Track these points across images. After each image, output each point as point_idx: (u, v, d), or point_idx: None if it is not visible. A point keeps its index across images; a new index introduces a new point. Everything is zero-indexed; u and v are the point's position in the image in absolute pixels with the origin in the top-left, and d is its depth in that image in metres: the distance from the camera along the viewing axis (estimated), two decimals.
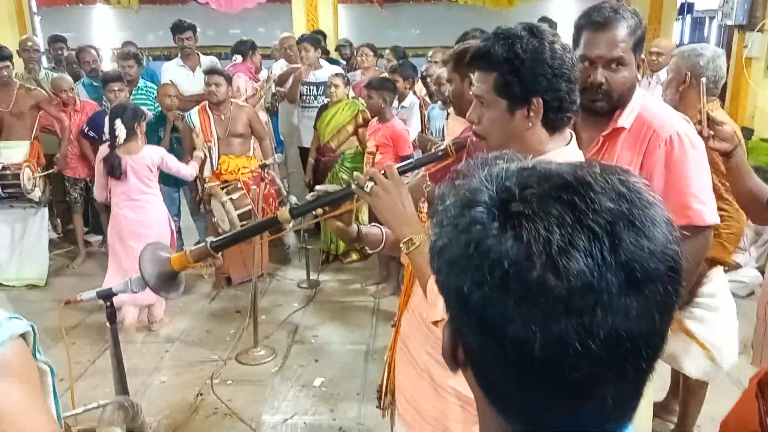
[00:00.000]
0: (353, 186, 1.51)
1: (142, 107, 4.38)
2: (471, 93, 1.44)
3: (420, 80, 5.21)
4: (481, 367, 0.58)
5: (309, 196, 1.61)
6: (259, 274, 4.58)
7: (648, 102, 1.86)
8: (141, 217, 4.03)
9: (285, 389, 3.43)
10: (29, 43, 5.65)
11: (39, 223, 4.85)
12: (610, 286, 0.50)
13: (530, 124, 1.35)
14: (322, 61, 5.66)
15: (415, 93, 5.04)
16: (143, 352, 3.86)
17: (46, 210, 4.94)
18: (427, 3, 11.21)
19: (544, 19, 6.07)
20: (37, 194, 4.61)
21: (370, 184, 1.47)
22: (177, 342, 3.98)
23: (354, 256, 5.12)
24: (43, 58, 6.32)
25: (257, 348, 3.77)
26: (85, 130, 4.94)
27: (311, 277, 4.78)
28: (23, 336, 0.83)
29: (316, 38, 5.69)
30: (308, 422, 3.14)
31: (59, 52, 6.11)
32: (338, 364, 3.67)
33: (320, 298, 4.57)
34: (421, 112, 4.91)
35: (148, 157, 4.03)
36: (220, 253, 1.71)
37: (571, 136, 1.44)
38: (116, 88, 4.73)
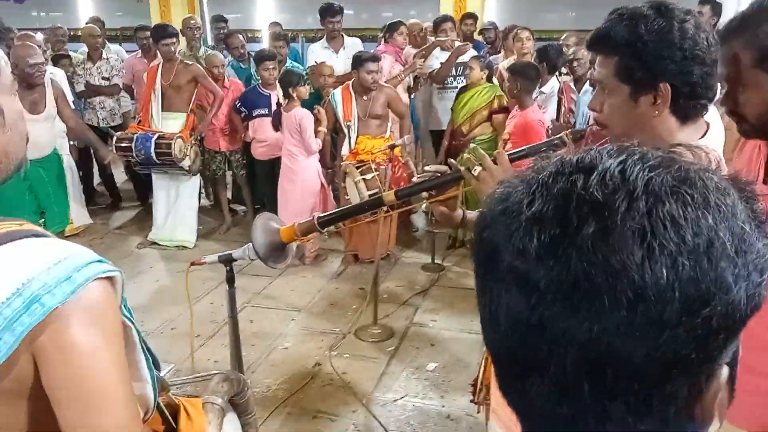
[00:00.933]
0: (462, 169, 1.48)
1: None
2: (593, 78, 1.33)
3: (567, 65, 4.92)
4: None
5: (416, 178, 1.58)
6: (384, 254, 4.66)
7: None
8: (293, 165, 4.78)
9: (398, 370, 3.46)
10: (192, 22, 6.11)
11: (191, 189, 5.27)
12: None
13: (656, 112, 1.22)
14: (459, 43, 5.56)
15: (558, 78, 4.78)
16: (272, 317, 4.08)
17: (197, 178, 5.36)
18: None
19: (707, 1, 5.47)
20: (186, 163, 4.97)
21: (479, 168, 1.42)
22: (303, 311, 4.16)
23: None
24: (209, 38, 6.84)
25: (376, 326, 3.83)
26: (237, 106, 5.28)
27: (436, 261, 4.76)
28: (111, 283, 0.85)
29: (452, 18, 5.61)
30: (417, 405, 3.14)
31: (221, 32, 6.55)
32: (453, 352, 3.63)
33: (442, 283, 4.54)
34: (559, 98, 4.66)
35: (295, 116, 4.64)
36: (326, 229, 1.73)
37: (708, 127, 1.27)
38: (270, 66, 5.08)
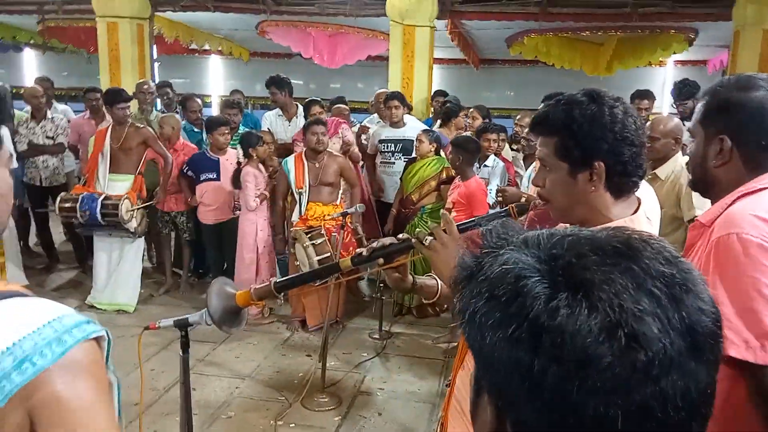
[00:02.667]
0: (413, 240, 1.56)
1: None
2: (536, 157, 1.46)
3: (509, 142, 5.21)
4: None
5: (366, 249, 1.65)
6: (333, 320, 4.65)
7: None
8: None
9: None
10: (145, 87, 6.15)
11: (134, 252, 5.17)
12: (680, 348, 0.51)
13: (593, 188, 1.34)
14: (407, 118, 5.77)
15: (498, 154, 5.03)
16: (215, 384, 3.97)
17: (141, 240, 5.27)
18: (523, 66, 11.29)
19: (620, 99, 5.93)
20: (133, 225, 4.92)
21: (430, 238, 1.51)
22: (248, 379, 4.07)
23: (428, 310, 5.09)
24: (158, 102, 6.86)
25: (323, 395, 3.78)
26: (185, 170, 5.29)
27: (383, 329, 4.78)
28: (98, 342, 0.87)
29: (403, 97, 5.82)
30: None
31: (166, 97, 6.60)
32: (401, 420, 3.62)
33: (390, 350, 4.55)
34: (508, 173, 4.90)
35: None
36: (282, 294, 1.77)
37: (639, 203, 1.41)
38: (226, 132, 5.21)
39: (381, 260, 1.61)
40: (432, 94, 7.23)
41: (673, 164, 3.27)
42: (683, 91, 5.30)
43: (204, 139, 5.73)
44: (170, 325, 2.06)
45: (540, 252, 0.57)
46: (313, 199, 4.82)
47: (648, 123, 3.59)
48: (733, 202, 1.42)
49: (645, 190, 1.57)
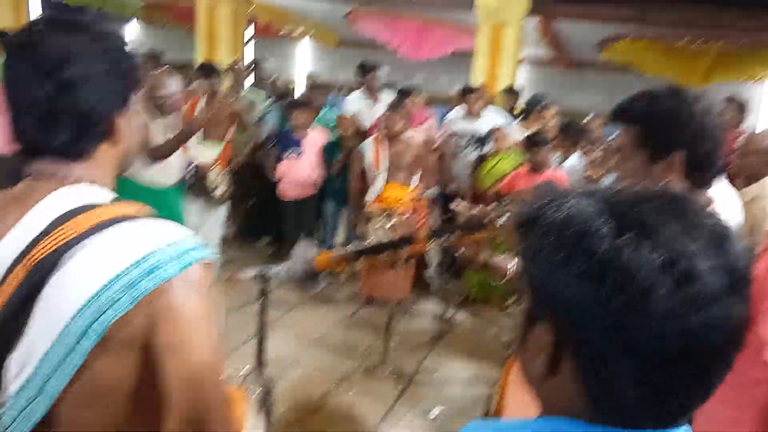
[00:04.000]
0: (493, 215, 1.63)
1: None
2: (616, 146, 1.49)
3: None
4: (596, 365, 0.62)
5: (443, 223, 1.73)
6: (399, 299, 4.74)
7: None
8: None
9: (402, 412, 3.49)
10: (237, 65, 6.44)
11: (216, 217, 5.40)
12: (723, 284, 0.59)
13: (669, 179, 1.39)
14: (489, 109, 5.77)
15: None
16: (285, 344, 4.12)
17: (224, 207, 5.49)
18: (616, 71, 11.00)
19: (731, 100, 5.73)
20: (218, 193, 5.13)
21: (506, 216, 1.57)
22: (316, 344, 4.22)
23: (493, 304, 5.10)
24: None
25: (385, 366, 3.88)
26: (270, 145, 5.53)
27: (449, 314, 4.83)
28: (209, 266, 0.97)
29: (479, 89, 5.82)
30: None
31: (259, 74, 6.88)
32: (458, 400, 3.67)
33: (453, 336, 4.59)
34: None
35: None
36: (359, 260, 1.87)
37: (710, 202, 1.42)
38: (297, 113, 5.37)
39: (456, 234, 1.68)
40: (503, 89, 7.08)
41: (761, 187, 3.09)
42: None
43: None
44: (251, 276, 2.20)
45: (601, 201, 0.65)
46: (390, 180, 4.91)
47: (742, 137, 3.44)
48: None
49: (733, 202, 1.58)
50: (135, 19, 12.48)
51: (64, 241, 0.88)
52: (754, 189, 3.07)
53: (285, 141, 5.47)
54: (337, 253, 1.92)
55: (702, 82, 8.52)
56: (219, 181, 5.12)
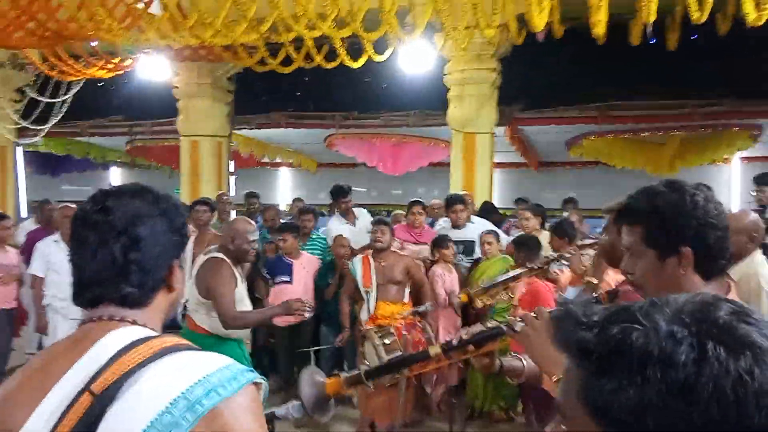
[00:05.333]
0: (503, 326, 1.62)
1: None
2: (622, 246, 1.51)
3: None
4: None
5: (455, 338, 1.71)
6: (402, 423, 4.57)
7: None
8: None
9: None
10: (224, 197, 6.58)
11: None
12: None
13: (683, 272, 1.38)
14: (473, 219, 5.86)
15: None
16: None
17: None
18: (583, 167, 11.40)
19: (701, 186, 5.89)
20: None
21: (521, 324, 1.56)
22: None
23: (499, 415, 4.93)
24: (233, 212, 7.30)
25: None
26: (263, 272, 5.53)
27: (454, 431, 4.64)
28: (256, 387, 1.04)
29: (463, 198, 5.87)
30: None
31: (252, 207, 7.03)
32: None
33: None
34: None
35: None
36: (371, 380, 1.82)
37: (730, 287, 1.44)
38: (283, 238, 5.40)
39: (471, 347, 1.66)
40: (479, 209, 7.26)
41: (748, 265, 3.03)
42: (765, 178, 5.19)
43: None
44: (265, 398, 2.12)
45: (669, 316, 0.65)
46: (381, 298, 4.88)
47: None
48: None
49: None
50: (117, 164, 12.83)
51: (127, 369, 0.96)
52: (742, 268, 3.05)
53: (276, 266, 5.48)
54: (347, 375, 1.86)
55: (669, 169, 8.84)
56: None
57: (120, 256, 1.07)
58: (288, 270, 5.42)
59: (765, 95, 7.19)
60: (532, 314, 1.60)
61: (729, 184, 10.64)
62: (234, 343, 3.64)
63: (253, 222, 3.92)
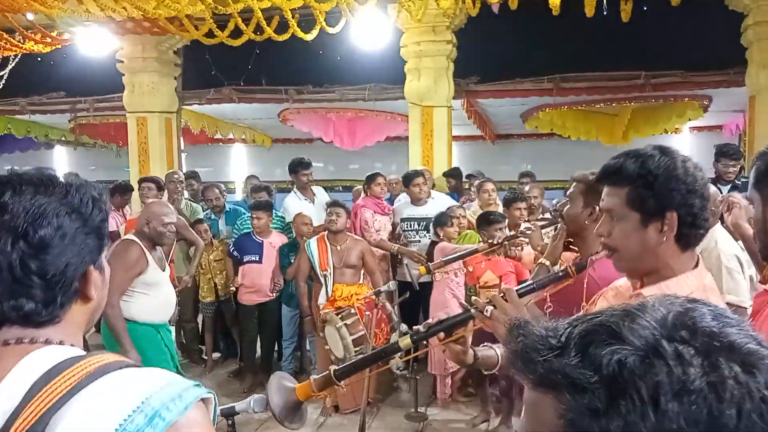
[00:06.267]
0: (472, 310, 1.55)
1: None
2: (600, 207, 1.46)
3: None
4: None
5: (424, 325, 1.64)
6: (366, 401, 4.54)
7: None
8: None
9: None
10: (175, 176, 6.30)
11: None
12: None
13: (664, 238, 1.36)
14: (432, 194, 5.79)
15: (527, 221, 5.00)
16: None
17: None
18: (539, 139, 11.49)
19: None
20: None
21: (490, 308, 1.50)
22: None
23: (467, 389, 4.95)
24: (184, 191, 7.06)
25: None
26: (231, 250, 5.41)
27: (419, 410, 4.65)
28: (204, 403, 0.91)
29: (423, 173, 5.78)
30: None
31: (192, 187, 6.79)
32: None
33: (430, 428, 4.40)
34: None
35: None
36: (342, 382, 1.73)
37: (699, 259, 1.43)
38: (257, 216, 5.29)
39: (441, 335, 1.60)
40: (444, 173, 7.25)
41: (708, 239, 2.94)
42: (730, 152, 5.07)
43: (219, 226, 5.93)
44: (216, 415, 2.02)
45: (662, 334, 0.56)
46: (337, 281, 4.82)
47: None
48: None
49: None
50: (60, 143, 12.29)
51: (49, 405, 0.80)
52: (702, 242, 3.05)
53: (245, 245, 5.35)
54: (316, 378, 1.77)
55: (623, 140, 8.96)
56: None
57: (17, 266, 0.88)
58: (258, 249, 5.32)
59: (714, 66, 7.33)
60: (501, 295, 1.55)
61: (681, 151, 10.89)
62: (150, 329, 3.52)
63: (169, 204, 3.85)
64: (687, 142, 10.98)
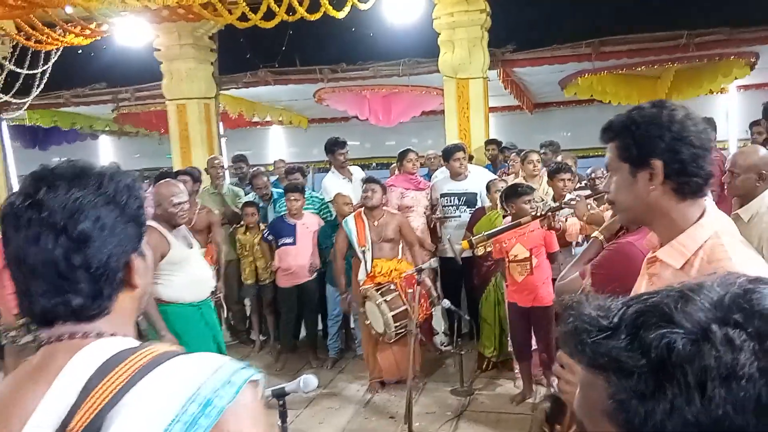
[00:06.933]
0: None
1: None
2: (605, 165, 1.53)
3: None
4: None
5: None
6: (412, 376, 4.60)
7: None
8: None
9: None
10: (216, 161, 6.43)
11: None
12: None
13: (653, 187, 1.38)
14: (470, 168, 5.71)
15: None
16: None
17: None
18: (578, 106, 11.22)
19: (688, 109, 5.83)
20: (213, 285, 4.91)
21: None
22: None
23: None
24: (227, 174, 7.18)
25: None
26: (266, 235, 5.48)
27: (464, 385, 4.68)
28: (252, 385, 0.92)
29: (463, 146, 5.72)
30: None
31: (241, 170, 6.90)
32: None
33: (474, 407, 4.43)
34: None
35: None
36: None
37: (704, 210, 1.40)
38: (293, 198, 5.32)
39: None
40: (484, 142, 7.21)
41: (759, 204, 2.97)
42: None
43: (268, 212, 5.99)
44: (268, 396, 2.09)
45: (718, 314, 0.56)
46: (376, 256, 4.86)
47: (730, 156, 3.40)
48: None
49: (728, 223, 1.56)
50: (105, 133, 12.61)
51: (105, 401, 0.82)
52: (753, 206, 2.99)
53: (279, 228, 5.43)
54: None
55: None
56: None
57: (61, 262, 0.88)
58: (291, 231, 5.38)
59: (760, 22, 6.99)
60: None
61: (727, 113, 10.48)
62: (187, 309, 3.54)
63: (178, 184, 3.85)
64: (734, 101, 10.57)
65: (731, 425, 0.51)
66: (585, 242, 3.92)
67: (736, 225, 2.63)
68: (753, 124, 5.73)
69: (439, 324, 5.78)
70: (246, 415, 0.86)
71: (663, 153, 1.35)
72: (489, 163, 7.07)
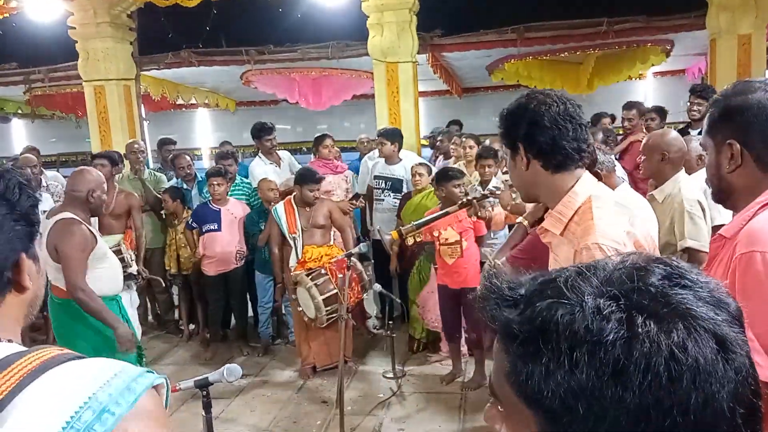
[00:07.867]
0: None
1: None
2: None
3: None
4: None
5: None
6: (343, 361, 4.60)
7: None
8: None
9: None
10: (135, 146, 6.14)
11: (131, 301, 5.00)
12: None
13: (524, 167, 1.64)
14: (403, 154, 5.76)
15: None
16: None
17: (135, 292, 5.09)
18: (505, 91, 11.43)
19: (625, 104, 6.15)
20: (134, 269, 4.69)
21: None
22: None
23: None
24: (150, 160, 6.92)
25: None
26: (190, 222, 5.31)
27: (397, 367, 4.72)
28: (156, 389, 0.88)
29: (392, 133, 5.72)
30: None
31: (167, 154, 6.65)
32: None
33: (406, 389, 4.49)
34: None
35: None
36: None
37: (577, 179, 1.63)
38: (215, 183, 5.15)
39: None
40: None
41: (672, 186, 3.11)
42: (697, 89, 5.34)
43: (193, 195, 5.79)
44: (190, 387, 2.04)
45: (597, 289, 0.60)
46: (307, 243, 4.81)
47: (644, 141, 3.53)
48: (755, 214, 1.41)
49: (642, 203, 1.72)
50: (17, 116, 11.88)
51: None
52: (666, 188, 3.14)
53: (203, 214, 5.27)
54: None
55: (588, 88, 8.98)
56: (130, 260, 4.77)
57: None
58: (216, 217, 5.24)
59: (675, 10, 7.33)
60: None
61: (645, 97, 10.97)
62: (110, 303, 3.41)
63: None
64: (651, 87, 11.07)
65: (593, 389, 0.55)
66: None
67: (652, 205, 2.76)
68: (625, 108, 6.06)
69: (371, 307, 5.80)
70: (146, 422, 0.82)
71: (522, 138, 1.62)
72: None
